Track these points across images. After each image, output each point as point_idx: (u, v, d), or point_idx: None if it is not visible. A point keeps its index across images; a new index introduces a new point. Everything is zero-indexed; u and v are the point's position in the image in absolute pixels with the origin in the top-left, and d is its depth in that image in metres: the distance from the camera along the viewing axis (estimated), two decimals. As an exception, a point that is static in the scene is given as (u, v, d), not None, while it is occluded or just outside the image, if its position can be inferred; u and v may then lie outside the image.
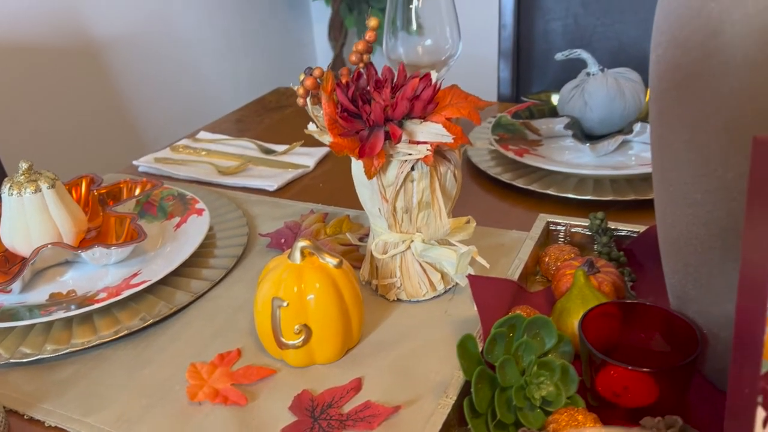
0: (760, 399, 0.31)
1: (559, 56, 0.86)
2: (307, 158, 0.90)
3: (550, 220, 0.64)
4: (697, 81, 0.37)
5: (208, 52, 2.01)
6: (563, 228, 0.63)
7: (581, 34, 1.13)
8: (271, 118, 1.11)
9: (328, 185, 0.85)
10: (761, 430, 0.32)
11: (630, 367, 0.43)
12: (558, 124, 0.88)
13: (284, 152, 0.93)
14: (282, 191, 0.84)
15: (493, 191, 0.81)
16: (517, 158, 0.82)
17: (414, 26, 0.80)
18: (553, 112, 0.91)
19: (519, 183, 0.78)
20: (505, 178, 0.80)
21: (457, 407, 0.43)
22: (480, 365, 0.44)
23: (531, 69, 1.23)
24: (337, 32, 2.29)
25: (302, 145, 0.94)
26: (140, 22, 1.75)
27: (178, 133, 1.09)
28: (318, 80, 0.52)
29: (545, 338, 0.46)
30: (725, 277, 0.41)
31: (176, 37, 1.88)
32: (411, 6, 0.79)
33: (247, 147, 0.96)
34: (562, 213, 0.70)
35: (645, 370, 0.43)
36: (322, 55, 2.52)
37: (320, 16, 2.44)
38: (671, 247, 0.45)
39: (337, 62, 2.31)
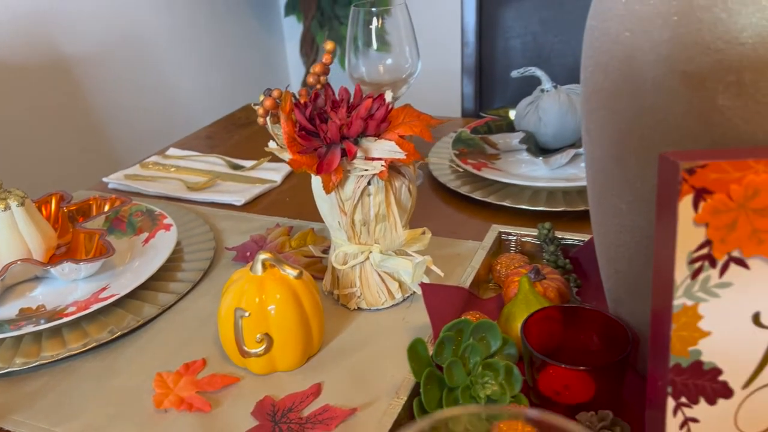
0: (669, 390, 0.35)
1: (514, 74, 0.90)
2: (274, 173, 0.93)
3: (501, 230, 0.67)
4: (616, 101, 0.40)
5: (180, 69, 2.02)
6: (514, 238, 0.67)
7: (540, 51, 1.18)
8: (240, 134, 1.13)
9: (294, 199, 0.87)
10: (672, 418, 0.35)
11: (567, 366, 0.46)
12: (514, 139, 0.92)
13: (252, 168, 0.95)
14: (250, 206, 0.87)
15: (453, 203, 0.84)
16: (475, 171, 0.85)
17: (375, 46, 0.83)
18: (511, 127, 0.95)
19: (476, 195, 0.82)
20: (464, 190, 0.84)
21: (408, 407, 0.46)
22: (429, 367, 0.47)
23: (493, 85, 1.27)
24: (309, 48, 2.32)
25: (270, 161, 0.96)
26: (112, 39, 1.77)
27: (151, 149, 1.10)
28: (277, 100, 0.55)
29: (491, 341, 0.49)
30: (650, 282, 0.44)
31: (148, 55, 1.90)
32: (371, 27, 0.82)
33: (216, 163, 0.98)
34: (517, 223, 0.73)
35: (581, 368, 0.46)
36: (294, 70, 2.55)
37: (292, 32, 2.48)
38: (604, 254, 0.48)
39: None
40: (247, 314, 0.53)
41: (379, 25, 0.82)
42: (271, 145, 0.57)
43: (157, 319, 0.64)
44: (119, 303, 0.65)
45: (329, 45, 0.57)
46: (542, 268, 0.60)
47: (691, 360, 0.34)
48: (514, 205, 0.79)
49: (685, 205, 0.32)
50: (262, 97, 0.55)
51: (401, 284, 0.63)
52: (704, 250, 0.32)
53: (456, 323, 0.49)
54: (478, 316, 0.54)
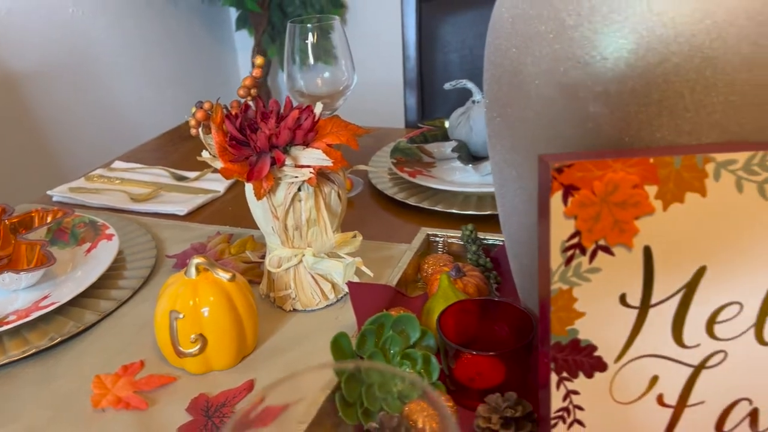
0: (552, 366, 0.39)
1: (447, 86, 0.95)
2: (217, 184, 0.95)
3: (429, 233, 0.71)
4: (508, 110, 0.45)
5: (131, 83, 2.03)
6: (441, 239, 0.71)
7: (477, 64, 1.23)
8: (185, 146, 1.15)
9: (236, 208, 0.90)
10: (556, 391, 0.39)
11: (477, 353, 0.50)
12: (448, 148, 0.96)
13: (195, 178, 0.98)
14: (193, 215, 0.89)
15: (390, 209, 0.88)
16: (411, 179, 0.89)
17: (311, 60, 0.87)
18: (445, 137, 0.99)
19: (411, 201, 0.86)
20: (400, 197, 0.88)
21: (332, 399, 0.49)
22: (351, 359, 0.50)
23: (434, 96, 1.32)
24: (261, 61, 2.34)
25: (213, 171, 0.99)
26: (59, 53, 1.76)
27: (100, 163, 1.11)
28: (208, 112, 0.58)
29: (410, 333, 0.53)
30: (548, 272, 0.48)
31: (98, 70, 1.90)
32: (307, 42, 0.86)
33: (160, 174, 1.00)
34: (449, 227, 0.77)
35: (490, 354, 0.50)
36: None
37: (244, 45, 2.50)
38: (511, 250, 0.53)
39: (261, 90, 2.36)
40: (181, 316, 0.56)
41: (315, 41, 0.86)
42: (204, 154, 0.60)
43: (97, 325, 0.66)
44: (60, 311, 0.67)
45: (259, 60, 0.61)
46: (463, 266, 0.64)
47: (570, 338, 0.38)
48: (445, 210, 0.83)
49: (556, 200, 0.36)
50: (194, 110, 0.58)
51: (334, 285, 0.66)
52: (574, 240, 0.37)
53: (377, 317, 0.53)
54: (401, 311, 0.58)
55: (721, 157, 0.35)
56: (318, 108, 0.63)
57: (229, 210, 0.90)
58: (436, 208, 0.84)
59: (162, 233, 0.83)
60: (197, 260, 0.57)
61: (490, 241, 0.69)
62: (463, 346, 0.52)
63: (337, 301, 0.67)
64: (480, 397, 0.51)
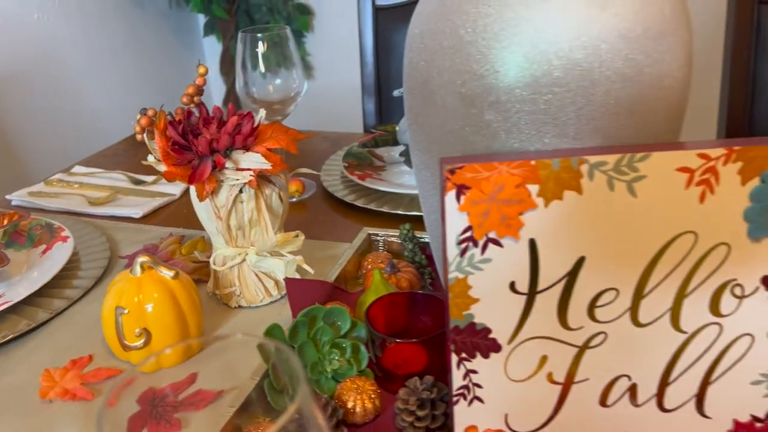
0: (452, 347, 0.43)
1: (395, 93, 0.99)
2: (174, 187, 0.98)
3: (370, 232, 0.75)
4: (421, 119, 0.49)
5: (98, 89, 2.04)
6: (382, 238, 0.75)
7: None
8: (145, 151, 1.18)
9: (191, 211, 0.92)
10: (456, 371, 0.44)
11: (400, 341, 0.54)
12: (397, 152, 1.00)
13: (152, 182, 1.01)
14: (149, 218, 0.92)
15: (340, 211, 0.92)
16: (360, 182, 0.94)
17: (262, 68, 0.91)
18: (396, 141, 1.04)
19: (359, 203, 0.90)
20: (349, 199, 0.92)
21: (261, 386, 0.53)
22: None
23: (391, 102, 1.36)
24: (228, 67, 2.37)
25: (170, 176, 1.02)
26: (26, 59, 1.77)
27: (64, 168, 1.14)
28: (153, 118, 0.61)
29: (341, 324, 0.57)
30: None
31: (64, 75, 1.91)
32: (257, 50, 0.89)
33: (119, 179, 1.03)
34: (395, 227, 0.81)
35: (411, 341, 0.54)
36: (216, 88, 2.59)
37: (212, 51, 2.52)
38: (433, 246, 0.57)
39: (230, 95, 2.39)
40: (125, 311, 0.59)
41: (265, 49, 0.90)
42: (149, 158, 0.64)
43: (49, 323, 0.69)
44: (14, 309, 0.70)
45: (202, 69, 0.64)
46: (398, 263, 0.68)
47: (467, 322, 0.43)
48: (391, 211, 0.87)
49: (450, 198, 0.41)
50: (138, 116, 0.61)
51: (277, 282, 0.70)
52: (467, 234, 0.41)
53: (310, 310, 0.57)
54: (339, 305, 0.62)
55: (593, 159, 0.40)
56: (260, 114, 0.67)
57: (183, 212, 0.93)
58: (382, 210, 0.88)
59: (117, 235, 0.86)
60: (142, 259, 0.60)
61: (427, 239, 0.73)
62: (390, 336, 0.56)
63: (281, 297, 0.71)
64: (404, 382, 0.56)
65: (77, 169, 1.09)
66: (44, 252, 0.80)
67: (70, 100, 1.93)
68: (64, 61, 1.91)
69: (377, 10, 1.34)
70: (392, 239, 0.74)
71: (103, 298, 0.72)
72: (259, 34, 0.89)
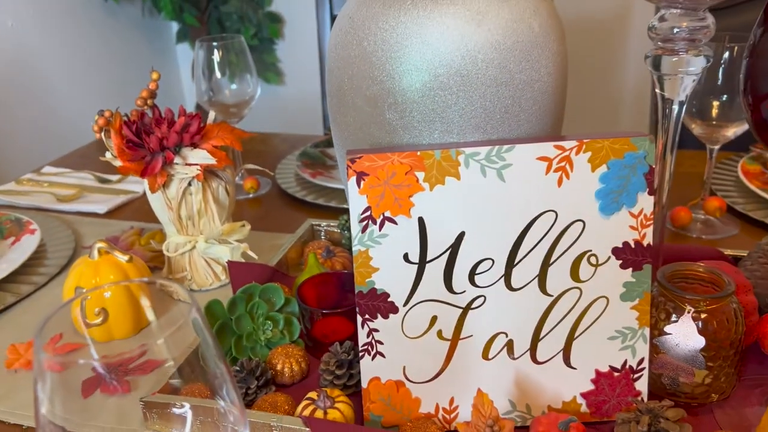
0: (357, 309, 0.51)
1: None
2: (137, 185, 1.05)
3: (313, 222, 0.83)
4: (338, 118, 0.57)
5: (71, 94, 2.09)
6: (323, 228, 0.83)
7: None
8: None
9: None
10: (362, 330, 0.51)
11: (324, 312, 0.62)
12: (346, 151, 1.08)
13: (118, 181, 1.07)
14: (113, 213, 0.99)
15: (292, 206, 1.00)
16: (311, 179, 1.01)
17: (218, 74, 0.98)
18: (346, 142, 1.11)
19: (309, 198, 0.98)
20: (300, 195, 0.99)
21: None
22: (223, 319, 0.61)
23: (349, 106, 1.44)
24: (201, 73, 2.43)
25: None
26: (0, 66, 1.83)
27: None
28: (109, 119, 0.69)
29: (275, 300, 0.64)
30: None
31: (36, 81, 1.96)
32: (213, 57, 0.97)
33: (86, 178, 1.10)
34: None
35: (334, 311, 0.62)
36: (189, 94, 2.66)
37: (185, 58, 2.59)
38: (357, 230, 0.65)
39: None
40: (84, 291, 0.66)
41: (220, 57, 0.97)
42: (107, 155, 0.71)
43: (17, 306, 0.75)
44: (-17, 295, 0.76)
45: (155, 75, 0.71)
46: (335, 249, 0.76)
47: (369, 288, 0.51)
48: (339, 206, 0.95)
49: (352, 183, 0.48)
50: (96, 116, 0.68)
51: (225, 267, 0.77)
52: (367, 213, 0.49)
53: (248, 287, 0.64)
54: (274, 284, 0.69)
55: (468, 150, 0.48)
56: (210, 116, 0.75)
57: (145, 209, 1.00)
58: (330, 204, 0.95)
59: (82, 229, 0.93)
60: (99, 244, 0.68)
61: (361, 229, 0.81)
62: (318, 309, 0.63)
63: (229, 282, 0.78)
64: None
65: (47, 169, 1.15)
66: (13, 243, 0.86)
67: (43, 105, 1.98)
68: (37, 68, 1.96)
69: (334, 19, 1.42)
70: (332, 229, 0.82)
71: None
72: (214, 43, 0.96)
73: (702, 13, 0.52)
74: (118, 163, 0.69)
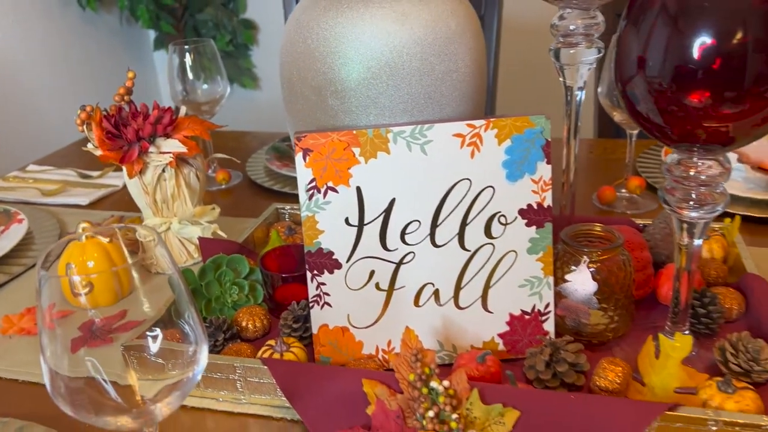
0: (307, 266, 0.60)
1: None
2: (117, 179, 1.13)
3: (278, 206, 0.92)
4: (290, 106, 0.66)
5: (52, 100, 2.16)
6: (287, 211, 0.92)
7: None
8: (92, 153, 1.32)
9: (131, 198, 1.08)
10: (311, 283, 0.60)
11: (283, 276, 0.71)
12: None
13: (99, 176, 1.16)
14: (95, 205, 1.07)
15: (261, 195, 1.08)
16: (278, 170, 1.10)
17: (190, 75, 1.07)
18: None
19: (276, 187, 1.07)
20: (267, 184, 1.08)
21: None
22: (194, 285, 0.70)
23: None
24: (178, 79, 2.51)
25: (114, 170, 1.17)
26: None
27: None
28: (90, 113, 0.77)
29: (241, 270, 0.73)
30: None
31: (20, 87, 2.03)
32: (185, 60, 1.05)
33: (69, 174, 1.18)
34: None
35: (292, 275, 0.71)
36: (167, 98, 2.73)
37: (162, 64, 2.66)
38: (312, 206, 0.74)
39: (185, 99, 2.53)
40: (73, 266, 0.75)
41: (192, 59, 1.06)
42: (89, 145, 0.79)
43: (9, 284, 0.83)
44: (-23, 276, 0.84)
45: (130, 74, 0.80)
46: (296, 227, 0.85)
47: (316, 247, 0.60)
48: (303, 193, 1.04)
49: (299, 158, 0.58)
50: (79, 111, 0.77)
51: (197, 246, 0.86)
52: (312, 184, 0.58)
53: (216, 258, 0.73)
54: (242, 256, 0.78)
55: (396, 129, 0.57)
56: (182, 110, 0.83)
57: (125, 200, 1.08)
58: (296, 192, 1.04)
59: (66, 218, 1.01)
60: (82, 224, 0.76)
61: (320, 210, 0.90)
62: (278, 274, 0.72)
63: (201, 259, 0.86)
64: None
65: (31, 167, 1.23)
66: (2, 232, 0.94)
67: (26, 109, 2.05)
68: (19, 74, 2.03)
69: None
70: (296, 211, 0.91)
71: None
72: (186, 47, 1.05)
73: (593, 11, 0.63)
74: (98, 152, 0.78)
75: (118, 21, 2.48)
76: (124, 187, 1.13)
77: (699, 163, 0.54)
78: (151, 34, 2.62)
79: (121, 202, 1.08)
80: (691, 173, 0.54)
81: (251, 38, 2.57)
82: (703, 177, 0.54)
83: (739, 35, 0.47)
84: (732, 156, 0.95)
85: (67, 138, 2.13)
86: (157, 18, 2.41)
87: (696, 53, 0.48)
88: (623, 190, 0.95)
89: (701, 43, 0.47)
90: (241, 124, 2.09)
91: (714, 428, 0.49)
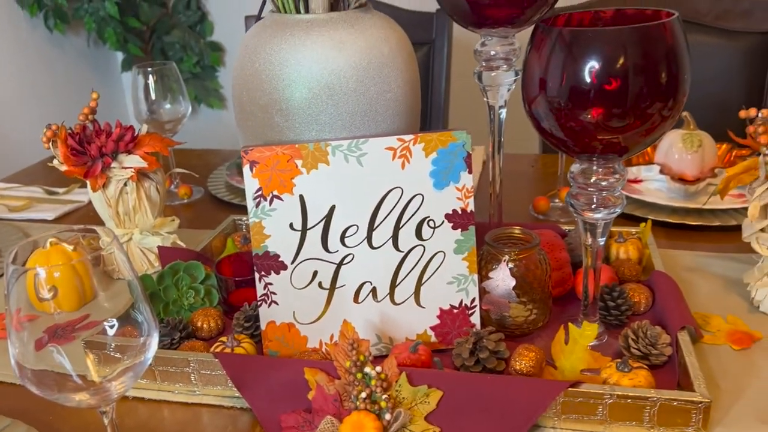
0: (255, 268, 0.66)
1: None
2: (82, 196, 1.18)
3: (235, 218, 0.98)
4: (242, 122, 0.72)
5: (20, 118, 2.19)
6: (244, 222, 0.97)
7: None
8: (58, 171, 1.36)
9: (96, 213, 1.13)
10: (259, 283, 0.66)
11: (236, 280, 0.76)
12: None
13: (64, 192, 1.20)
14: (60, 220, 1.11)
15: (222, 209, 1.14)
16: (238, 185, 1.16)
17: (153, 95, 1.13)
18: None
19: (236, 201, 1.12)
20: (228, 198, 1.14)
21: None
22: (153, 290, 0.76)
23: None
24: (145, 100, 2.55)
25: (80, 187, 1.21)
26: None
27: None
28: (55, 131, 0.82)
29: (197, 275, 0.79)
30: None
31: (-17, 108, 2.06)
32: (149, 82, 1.11)
33: (35, 191, 1.22)
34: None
35: (248, 278, 0.76)
36: (134, 119, 2.77)
37: (130, 85, 2.71)
38: (264, 215, 0.80)
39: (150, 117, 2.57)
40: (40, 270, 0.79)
41: (155, 80, 1.12)
42: (54, 162, 0.84)
43: (-25, 294, 0.88)
44: (-55, 287, 0.88)
45: (94, 95, 0.86)
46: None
47: (263, 251, 0.66)
48: (261, 207, 1.10)
49: (247, 169, 0.64)
50: (45, 129, 0.82)
51: (157, 256, 0.91)
52: (259, 192, 0.64)
53: (174, 264, 0.78)
54: (198, 263, 0.83)
55: (334, 143, 0.64)
56: (143, 127, 0.89)
57: (90, 215, 1.13)
58: (254, 206, 1.10)
59: (32, 233, 1.05)
60: (52, 239, 0.81)
61: (275, 221, 0.96)
62: (232, 279, 0.78)
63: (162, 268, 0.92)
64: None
65: (-2, 185, 1.27)
66: (-30, 245, 0.98)
67: (-10, 131, 2.08)
68: (-16, 95, 2.06)
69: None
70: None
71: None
72: (149, 69, 1.11)
73: (511, 38, 0.71)
74: (64, 167, 0.83)
75: (86, 43, 2.52)
76: (90, 203, 1.18)
77: (599, 171, 0.61)
78: (119, 55, 2.66)
79: (86, 217, 1.13)
80: (592, 180, 0.61)
81: (218, 60, 2.63)
82: (603, 183, 0.61)
83: (621, 60, 0.55)
84: (655, 168, 1.04)
85: (33, 158, 2.16)
86: (124, 40, 2.45)
87: (587, 76, 0.55)
88: (556, 200, 1.03)
89: (591, 67, 0.55)
90: (209, 143, 2.14)
91: (609, 401, 0.56)
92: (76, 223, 1.10)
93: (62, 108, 2.38)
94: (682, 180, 1.01)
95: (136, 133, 0.86)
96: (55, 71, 2.37)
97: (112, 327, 0.57)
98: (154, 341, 0.52)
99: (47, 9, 2.23)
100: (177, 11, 2.53)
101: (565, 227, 0.86)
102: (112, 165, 0.84)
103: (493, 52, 0.70)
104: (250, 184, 0.64)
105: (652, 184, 1.06)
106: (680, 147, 1.01)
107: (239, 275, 0.82)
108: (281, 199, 0.65)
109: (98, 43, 2.53)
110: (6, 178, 1.33)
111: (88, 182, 0.84)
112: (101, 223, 1.06)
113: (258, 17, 0.73)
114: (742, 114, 0.69)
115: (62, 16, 2.26)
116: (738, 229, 0.80)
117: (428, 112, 1.47)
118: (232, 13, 2.55)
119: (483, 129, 0.71)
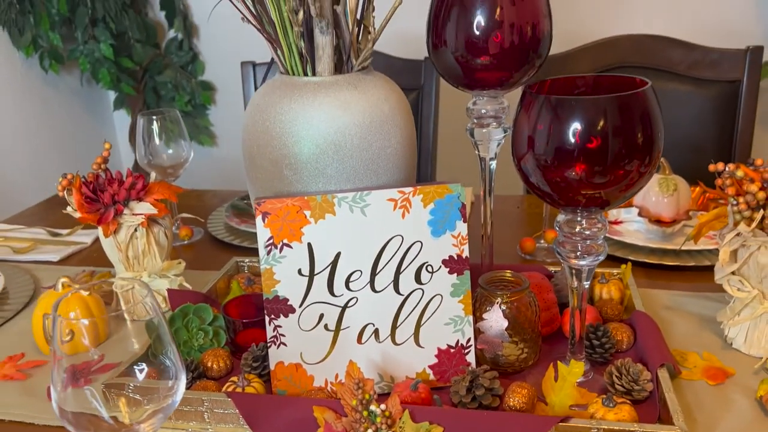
0: (265, 311, 0.70)
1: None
2: (86, 237, 1.22)
3: (237, 259, 1.02)
4: (251, 174, 0.78)
5: (16, 157, 2.22)
6: (246, 264, 1.02)
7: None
8: (58, 210, 1.40)
9: (99, 255, 1.16)
10: (269, 326, 0.71)
11: (243, 321, 0.81)
12: (268, 203, 1.29)
13: (67, 234, 1.24)
14: (65, 261, 1.15)
15: (222, 250, 1.18)
16: (237, 226, 1.21)
17: (156, 141, 1.18)
18: (268, 195, 1.32)
19: (236, 242, 1.17)
20: (228, 239, 1.18)
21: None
22: (165, 331, 0.79)
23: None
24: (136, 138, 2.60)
25: (83, 228, 1.25)
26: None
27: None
28: (70, 180, 0.87)
29: (205, 317, 0.83)
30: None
31: (-22, 147, 2.09)
32: (152, 127, 1.16)
33: (38, 232, 1.26)
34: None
35: (255, 320, 0.81)
36: (126, 156, 2.81)
37: (122, 124, 2.75)
38: (269, 259, 0.84)
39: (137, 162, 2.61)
40: (49, 316, 0.83)
41: (158, 126, 1.17)
42: (68, 209, 0.89)
43: (-13, 336, 0.91)
44: (-43, 329, 0.91)
45: (107, 145, 0.91)
46: (254, 278, 0.95)
47: (273, 295, 0.70)
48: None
49: (259, 220, 0.69)
50: (60, 179, 0.86)
51: (165, 298, 0.95)
52: (270, 241, 0.69)
53: (184, 307, 0.82)
54: (206, 305, 0.88)
55: (340, 195, 0.70)
56: (152, 176, 0.94)
57: (93, 256, 1.17)
58: (254, 246, 1.15)
59: (39, 274, 1.09)
60: (62, 279, 0.85)
61: (277, 263, 1.00)
62: (239, 320, 0.82)
63: (169, 310, 0.96)
64: (250, 352, 0.82)
65: (1, 226, 1.30)
66: (-21, 288, 1.01)
67: (-15, 169, 2.10)
68: (-20, 134, 2.09)
69: (256, 88, 1.65)
70: (254, 263, 1.02)
71: (31, 318, 0.95)
72: (153, 116, 1.16)
73: (501, 98, 0.77)
74: (77, 214, 0.87)
75: (79, 82, 2.57)
76: (93, 243, 1.22)
77: (582, 222, 0.67)
78: (111, 94, 2.71)
79: (89, 258, 1.16)
80: (577, 230, 0.67)
81: (209, 99, 2.69)
82: (587, 232, 0.67)
83: (601, 123, 0.61)
84: (633, 210, 1.11)
85: (27, 193, 2.19)
86: (117, 80, 2.51)
87: (571, 137, 0.62)
88: (542, 241, 1.09)
89: (574, 129, 0.61)
90: (200, 179, 2.18)
91: (596, 434, 0.61)
92: (81, 264, 1.13)
93: (56, 146, 2.42)
94: (659, 222, 1.08)
95: (147, 181, 0.91)
96: (49, 109, 2.41)
97: (141, 371, 0.60)
98: (182, 384, 0.56)
99: (43, 50, 2.28)
100: (170, 52, 2.59)
101: (551, 268, 0.92)
102: (124, 212, 0.88)
103: (483, 111, 0.77)
104: (263, 233, 0.69)
105: (631, 225, 1.13)
106: (657, 191, 1.08)
107: (246, 317, 0.86)
108: (291, 247, 0.70)
109: (91, 82, 2.58)
110: (7, 219, 1.36)
111: (99, 228, 0.89)
112: (105, 264, 1.10)
113: (264, 78, 0.78)
114: (711, 168, 0.76)
115: (57, 57, 2.31)
116: (711, 269, 0.86)
117: (418, 155, 1.54)
118: (222, 53, 2.62)
119: (469, 169, 0.77)
